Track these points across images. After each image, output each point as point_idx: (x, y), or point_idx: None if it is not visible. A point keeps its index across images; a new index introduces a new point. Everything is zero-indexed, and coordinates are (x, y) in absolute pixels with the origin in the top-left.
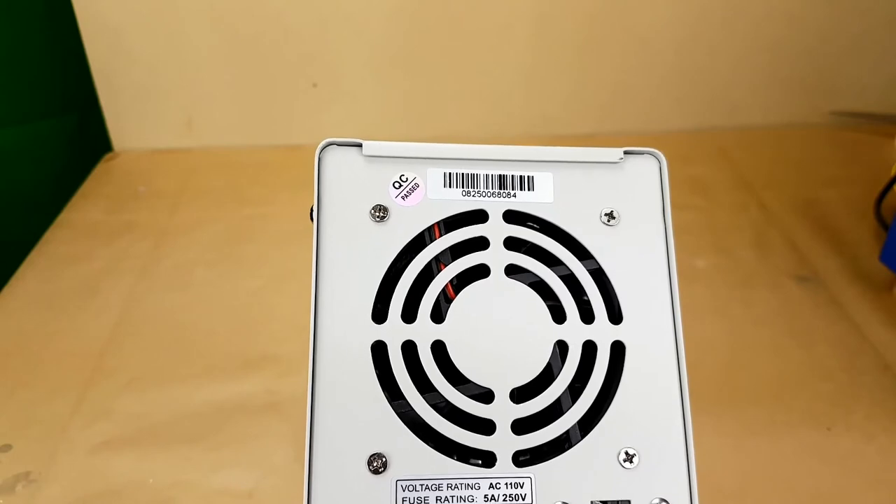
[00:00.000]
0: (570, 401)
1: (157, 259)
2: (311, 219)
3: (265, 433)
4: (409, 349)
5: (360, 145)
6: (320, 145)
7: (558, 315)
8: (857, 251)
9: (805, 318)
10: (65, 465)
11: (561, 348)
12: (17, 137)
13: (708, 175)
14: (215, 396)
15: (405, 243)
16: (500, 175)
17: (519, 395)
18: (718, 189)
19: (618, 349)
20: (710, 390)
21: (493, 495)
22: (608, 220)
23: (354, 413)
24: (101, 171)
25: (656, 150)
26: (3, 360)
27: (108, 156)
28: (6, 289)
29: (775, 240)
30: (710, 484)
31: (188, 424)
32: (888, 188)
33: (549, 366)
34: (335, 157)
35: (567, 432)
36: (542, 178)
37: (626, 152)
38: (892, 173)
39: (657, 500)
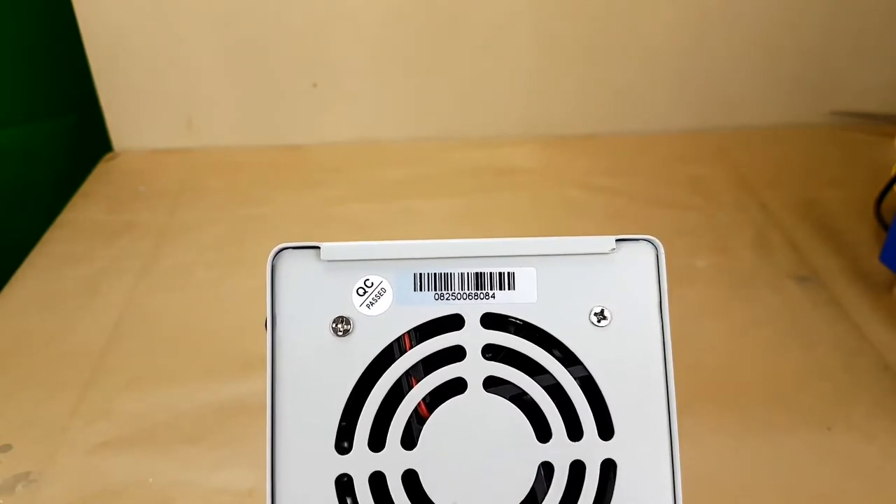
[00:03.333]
0: None
1: (157, 259)
2: (266, 329)
3: (265, 433)
4: (378, 481)
5: (318, 248)
6: (273, 251)
7: (543, 431)
8: (857, 251)
9: (805, 318)
10: (65, 465)
11: (546, 470)
12: (17, 137)
13: (708, 175)
14: (215, 396)
15: (371, 359)
16: (476, 273)
17: None
18: (718, 189)
19: (608, 468)
20: (710, 390)
21: None
22: (598, 321)
23: None
24: (101, 171)
25: (653, 237)
26: (3, 360)
27: (108, 156)
28: (6, 289)
29: (775, 240)
30: (710, 484)
31: (188, 424)
32: (888, 188)
33: (532, 491)
34: (291, 264)
35: None
36: (524, 275)
37: (618, 240)
38: (892, 173)
39: None
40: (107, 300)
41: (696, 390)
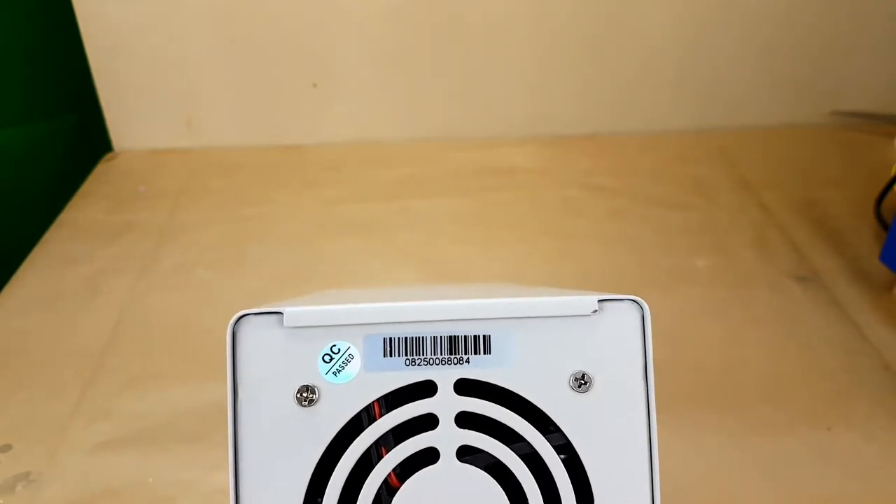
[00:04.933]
0: None
1: (157, 259)
2: (228, 399)
3: None
4: None
5: (280, 314)
6: (233, 318)
7: (519, 503)
8: (857, 251)
9: (805, 318)
10: (65, 465)
11: None
12: (17, 137)
13: (708, 175)
14: (215, 396)
15: (339, 429)
16: (450, 337)
17: None
18: (718, 189)
19: None
20: (710, 390)
21: None
22: (578, 386)
23: None
24: (101, 171)
25: (638, 298)
26: (3, 360)
27: (108, 156)
28: (6, 289)
29: (775, 240)
30: (710, 484)
31: (188, 424)
32: (888, 188)
33: None
34: (252, 332)
35: None
36: (501, 338)
37: (601, 301)
38: (892, 173)
39: None
40: (107, 300)
41: (696, 390)
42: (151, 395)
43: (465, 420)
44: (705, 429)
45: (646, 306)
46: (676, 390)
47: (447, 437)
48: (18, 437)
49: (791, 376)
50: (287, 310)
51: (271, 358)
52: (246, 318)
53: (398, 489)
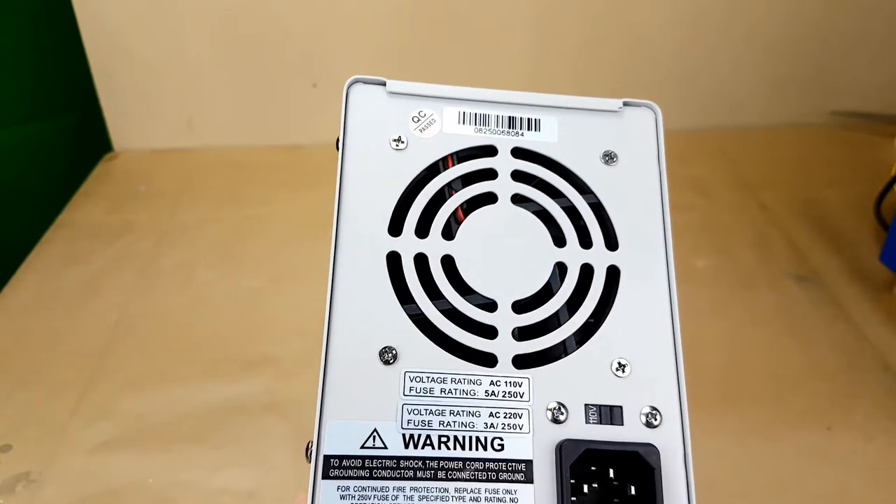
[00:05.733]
0: (568, 315)
1: (157, 259)
2: (337, 148)
3: (265, 433)
4: (421, 261)
5: (384, 83)
6: (348, 81)
7: (559, 240)
8: (857, 251)
9: (805, 318)
10: (65, 465)
11: (560, 269)
12: (17, 137)
13: (708, 175)
14: (215, 396)
15: (421, 170)
16: (509, 116)
17: (520, 307)
18: (718, 189)
19: (613, 273)
20: (710, 390)
21: (493, 391)
22: (607, 161)
23: (369, 310)
24: (101, 171)
25: (652, 103)
26: (3, 360)
27: (108, 156)
28: (6, 289)
29: (775, 240)
30: (710, 484)
31: (188, 424)
32: (888, 188)
33: (548, 283)
34: (361, 92)
35: (563, 342)
36: (548, 121)
37: (625, 103)
38: (892, 173)
39: (648, 408)
40: (107, 300)
41: (696, 390)
42: (151, 395)
43: (519, 178)
44: (705, 428)
45: (658, 110)
46: None
47: (504, 186)
48: (18, 437)
49: (791, 376)
50: (390, 80)
51: (374, 113)
52: (357, 83)
53: (463, 222)
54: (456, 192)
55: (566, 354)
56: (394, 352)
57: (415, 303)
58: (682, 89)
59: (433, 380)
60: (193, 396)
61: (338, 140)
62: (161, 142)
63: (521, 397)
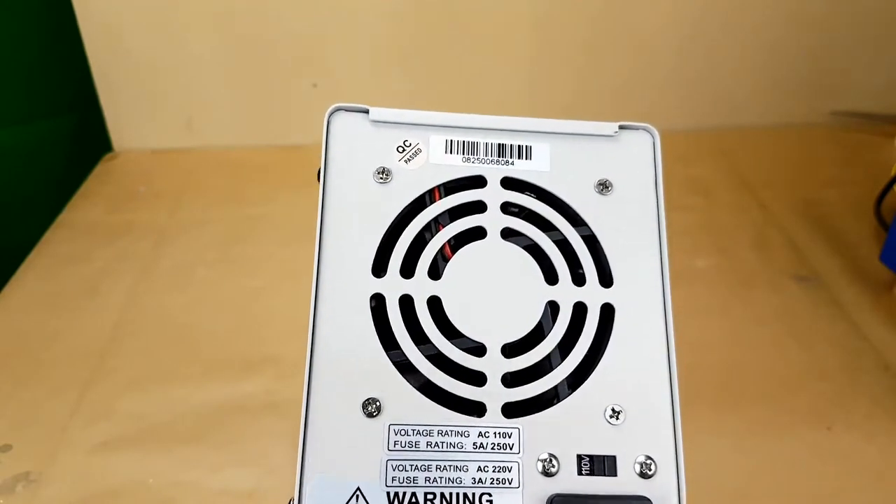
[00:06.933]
0: (560, 358)
1: (157, 259)
2: (318, 179)
3: (265, 433)
4: (407, 303)
5: (367, 111)
6: (329, 109)
7: (551, 277)
8: (857, 251)
9: (805, 318)
10: (65, 465)
11: (552, 308)
12: (17, 137)
13: (708, 175)
14: (215, 396)
15: (406, 204)
16: (499, 144)
17: (510, 350)
18: (718, 189)
19: (607, 311)
20: (710, 390)
21: (481, 443)
22: (602, 190)
23: (352, 359)
24: (101, 171)
25: (650, 126)
26: (3, 360)
27: (108, 156)
28: (6, 289)
29: (775, 240)
30: (710, 484)
31: (188, 424)
32: (888, 188)
33: (540, 324)
34: (343, 121)
35: (555, 387)
36: (540, 148)
37: (620, 126)
38: (892, 173)
39: (643, 457)
40: (107, 300)
41: (695, 390)
42: (151, 395)
43: (509, 210)
44: (705, 429)
45: (656, 133)
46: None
47: (493, 220)
48: (18, 437)
49: (791, 376)
50: (372, 107)
51: (356, 143)
52: (339, 111)
53: (450, 259)
54: (443, 226)
55: (558, 401)
56: (378, 403)
57: (400, 349)
58: (682, 89)
59: (419, 433)
60: (193, 396)
61: (318, 171)
62: (161, 142)
63: (511, 449)
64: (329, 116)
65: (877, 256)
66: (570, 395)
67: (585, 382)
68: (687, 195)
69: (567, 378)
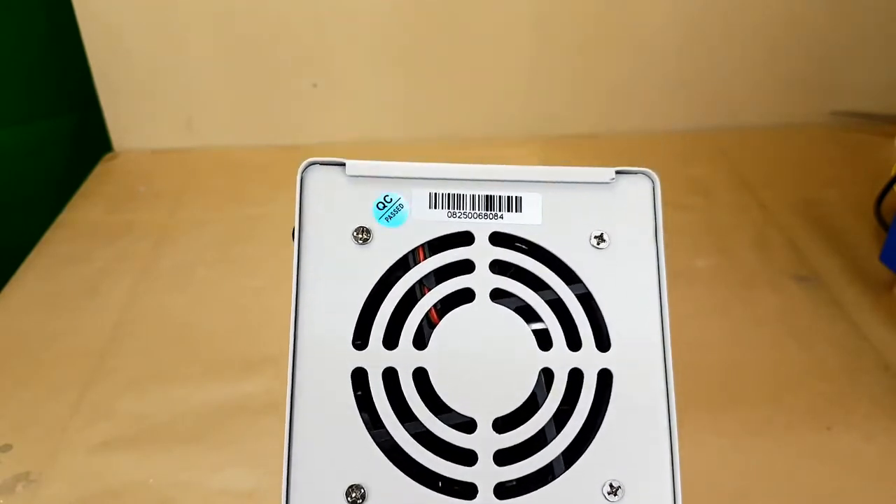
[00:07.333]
0: (555, 431)
1: (157, 259)
2: (293, 239)
3: (265, 433)
4: (391, 376)
5: (343, 164)
6: (302, 165)
7: (544, 341)
8: (857, 251)
9: (805, 318)
10: (65, 465)
11: (546, 376)
12: (17, 137)
13: (708, 175)
14: (215, 396)
15: (388, 266)
16: (486, 196)
17: (502, 424)
18: (718, 189)
19: (605, 377)
20: (710, 390)
21: None
22: (598, 243)
23: (333, 442)
24: (101, 171)
25: (649, 170)
26: (3, 360)
27: (108, 156)
28: (6, 289)
29: (775, 240)
30: (710, 484)
31: (188, 424)
32: (888, 188)
33: (533, 394)
34: (317, 177)
35: (551, 463)
36: (531, 199)
37: (617, 172)
38: (892, 173)
39: None
40: (107, 300)
41: (695, 390)
42: (151, 395)
43: (498, 268)
44: (705, 429)
45: (656, 178)
46: (676, 390)
47: (482, 280)
48: (18, 437)
49: (791, 376)
50: (349, 161)
51: (333, 200)
52: (313, 165)
53: (437, 325)
54: (429, 289)
55: (553, 478)
56: (362, 490)
57: (384, 427)
58: (682, 89)
59: None
60: (193, 396)
61: (293, 231)
62: (161, 142)
63: None
64: (302, 172)
65: (877, 256)
66: (565, 471)
67: (582, 456)
68: (687, 195)
69: (563, 452)
